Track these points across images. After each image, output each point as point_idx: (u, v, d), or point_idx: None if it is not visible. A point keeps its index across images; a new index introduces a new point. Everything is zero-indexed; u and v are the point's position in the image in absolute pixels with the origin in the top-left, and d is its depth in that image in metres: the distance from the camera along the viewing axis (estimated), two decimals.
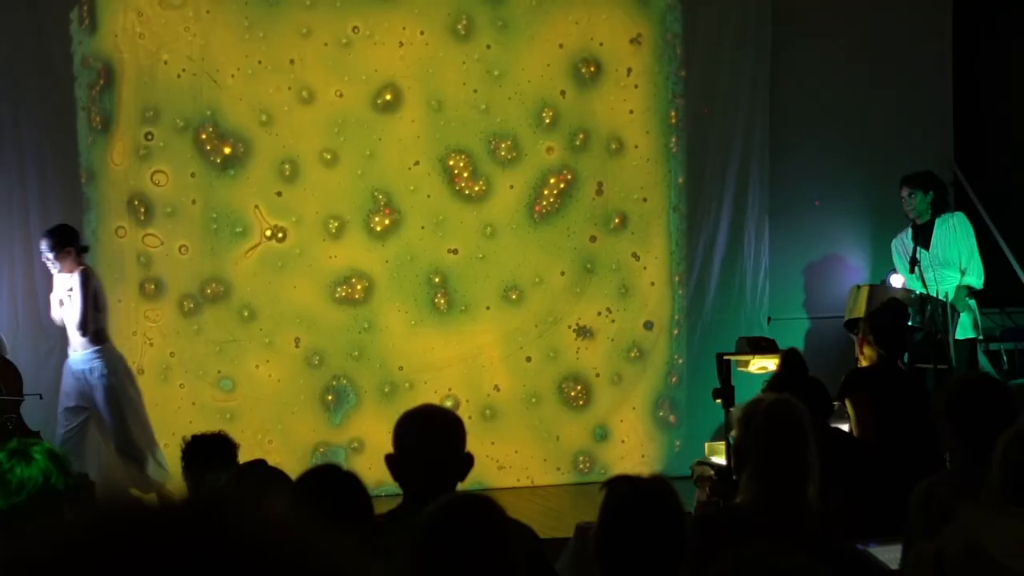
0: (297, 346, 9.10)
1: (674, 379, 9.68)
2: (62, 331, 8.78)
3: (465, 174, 9.30)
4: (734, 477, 4.83)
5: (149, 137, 8.86)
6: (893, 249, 9.42)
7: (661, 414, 9.64)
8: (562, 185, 9.44)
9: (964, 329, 9.20)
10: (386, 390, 9.20)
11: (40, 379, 8.61)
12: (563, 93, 9.41)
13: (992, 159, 10.83)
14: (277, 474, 4.13)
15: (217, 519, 0.92)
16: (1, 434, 7.08)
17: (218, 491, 0.95)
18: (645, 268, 9.60)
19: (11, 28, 8.68)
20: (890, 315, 7.25)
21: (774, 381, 6.57)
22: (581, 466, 9.49)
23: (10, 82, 8.69)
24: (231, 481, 4.04)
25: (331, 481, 3.62)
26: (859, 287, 9.39)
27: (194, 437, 5.40)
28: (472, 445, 4.17)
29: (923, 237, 9.24)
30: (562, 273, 9.45)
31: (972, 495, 3.48)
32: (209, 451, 5.23)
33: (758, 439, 4.23)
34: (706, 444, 8.89)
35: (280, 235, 9.04)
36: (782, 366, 6.69)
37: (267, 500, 0.93)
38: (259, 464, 4.31)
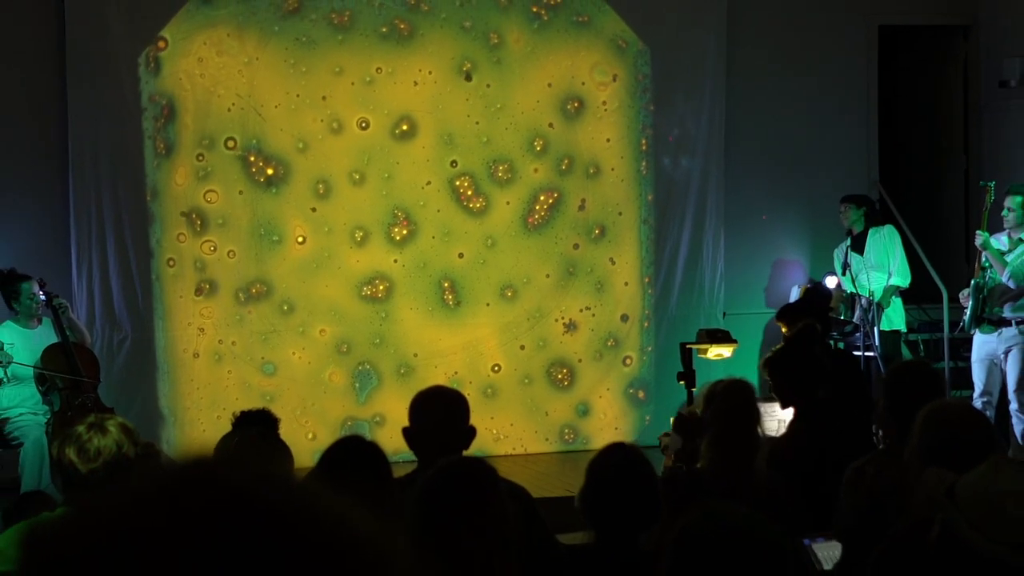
0: (323, 335, 9.10)
1: (644, 364, 9.67)
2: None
3: (469, 192, 9.29)
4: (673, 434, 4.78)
5: (200, 158, 8.86)
6: (834, 256, 9.46)
7: (632, 392, 9.64)
8: (550, 201, 9.43)
9: (889, 322, 9.23)
10: (403, 372, 9.19)
11: (113, 365, 8.62)
12: (551, 125, 9.40)
13: (911, 180, 10.84)
14: (278, 443, 4.15)
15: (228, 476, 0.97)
16: (82, 411, 7.05)
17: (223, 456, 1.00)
18: (619, 271, 9.60)
19: (91, 72, 8.69)
20: (802, 298, 6.79)
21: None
22: (566, 437, 9.48)
23: (93, 117, 8.70)
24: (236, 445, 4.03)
25: (357, 450, 3.63)
26: (799, 286, 9.43)
27: (242, 413, 5.39)
28: (474, 419, 4.18)
29: (858, 245, 9.30)
30: (547, 276, 9.44)
31: (901, 470, 3.44)
32: (254, 425, 5.21)
33: (715, 415, 4.24)
34: (671, 419, 8.86)
35: (302, 239, 9.04)
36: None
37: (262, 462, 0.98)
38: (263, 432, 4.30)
